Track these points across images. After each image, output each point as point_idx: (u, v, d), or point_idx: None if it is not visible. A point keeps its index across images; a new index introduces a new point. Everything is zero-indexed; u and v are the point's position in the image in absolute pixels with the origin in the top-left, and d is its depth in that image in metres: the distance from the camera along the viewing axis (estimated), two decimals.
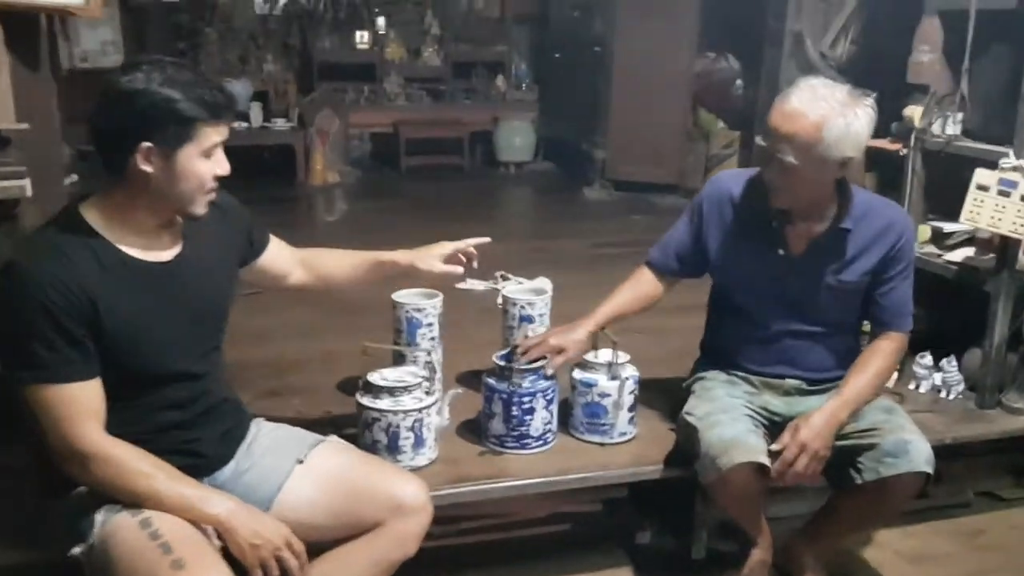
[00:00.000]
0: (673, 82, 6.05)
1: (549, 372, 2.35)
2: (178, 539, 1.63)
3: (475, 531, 2.57)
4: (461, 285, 2.74)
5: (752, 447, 2.10)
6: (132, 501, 1.68)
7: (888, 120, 3.04)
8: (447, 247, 2.23)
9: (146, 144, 1.64)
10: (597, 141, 6.41)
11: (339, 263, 2.23)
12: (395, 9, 7.36)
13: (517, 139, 7.13)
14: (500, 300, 2.75)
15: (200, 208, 1.76)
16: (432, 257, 2.21)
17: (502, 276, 2.85)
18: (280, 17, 7.30)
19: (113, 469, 1.66)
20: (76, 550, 1.71)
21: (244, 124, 6.43)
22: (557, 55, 7.21)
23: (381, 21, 7.27)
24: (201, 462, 1.86)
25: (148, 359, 1.74)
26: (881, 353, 2.27)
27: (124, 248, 1.72)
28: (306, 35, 7.21)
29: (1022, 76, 2.54)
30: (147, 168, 1.66)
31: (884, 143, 3.05)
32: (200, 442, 1.86)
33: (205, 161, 1.71)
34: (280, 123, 6.54)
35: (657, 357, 2.84)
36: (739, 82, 6.09)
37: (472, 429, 2.50)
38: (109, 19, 6.52)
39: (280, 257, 2.14)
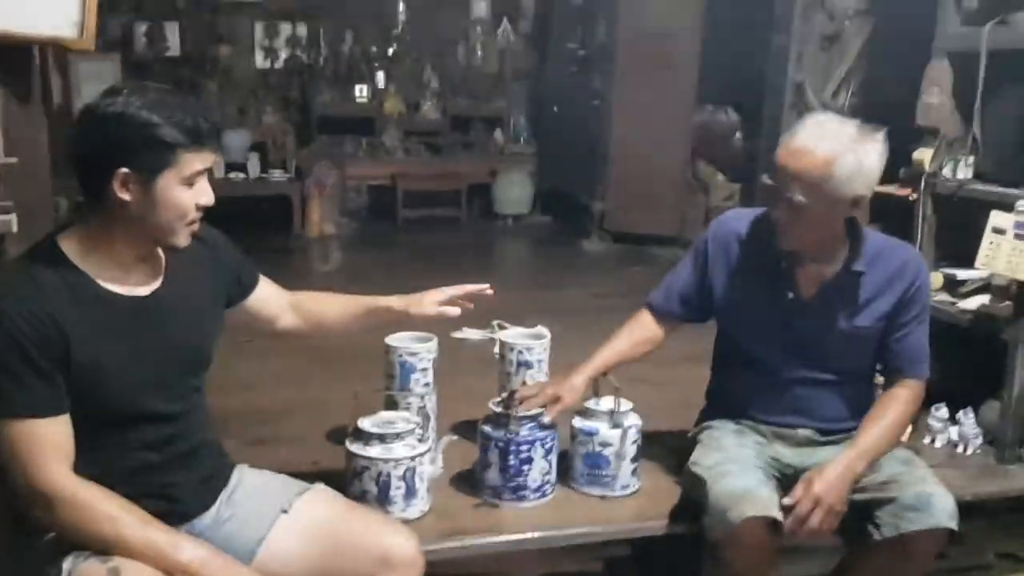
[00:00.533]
0: (672, 134, 6.01)
1: (547, 420, 2.24)
2: None
3: None
4: (457, 334, 2.65)
5: (764, 500, 1.98)
6: (99, 547, 1.57)
7: (896, 166, 2.96)
8: (441, 292, 2.14)
9: (123, 170, 1.56)
10: (596, 193, 6.36)
11: (331, 308, 2.12)
12: (394, 64, 7.37)
13: (515, 191, 7.10)
14: (497, 349, 2.65)
15: (181, 240, 1.67)
16: (425, 302, 2.10)
17: (499, 325, 2.76)
18: (281, 71, 7.31)
19: (79, 512, 1.56)
20: None
21: (241, 174, 6.38)
22: (555, 108, 7.21)
23: (380, 76, 7.28)
24: (177, 508, 1.75)
25: (119, 397, 1.64)
26: (898, 401, 2.16)
27: (101, 281, 1.64)
28: (306, 89, 7.22)
29: None
30: (125, 195, 1.58)
31: (893, 189, 2.97)
32: (176, 487, 1.75)
33: (186, 190, 1.62)
34: (277, 174, 6.50)
35: (661, 408, 2.72)
36: (738, 134, 6.07)
37: (467, 480, 2.38)
38: (111, 72, 6.56)
39: (270, 299, 2.04)
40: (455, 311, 2.12)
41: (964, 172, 2.75)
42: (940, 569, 2.61)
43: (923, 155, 2.81)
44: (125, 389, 1.64)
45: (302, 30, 7.28)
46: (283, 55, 7.29)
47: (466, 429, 2.64)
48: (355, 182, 6.95)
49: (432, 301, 2.11)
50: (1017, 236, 2.46)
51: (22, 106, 2.24)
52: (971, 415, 2.71)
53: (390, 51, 7.37)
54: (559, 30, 7.24)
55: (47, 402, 1.56)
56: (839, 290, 2.15)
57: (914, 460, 2.15)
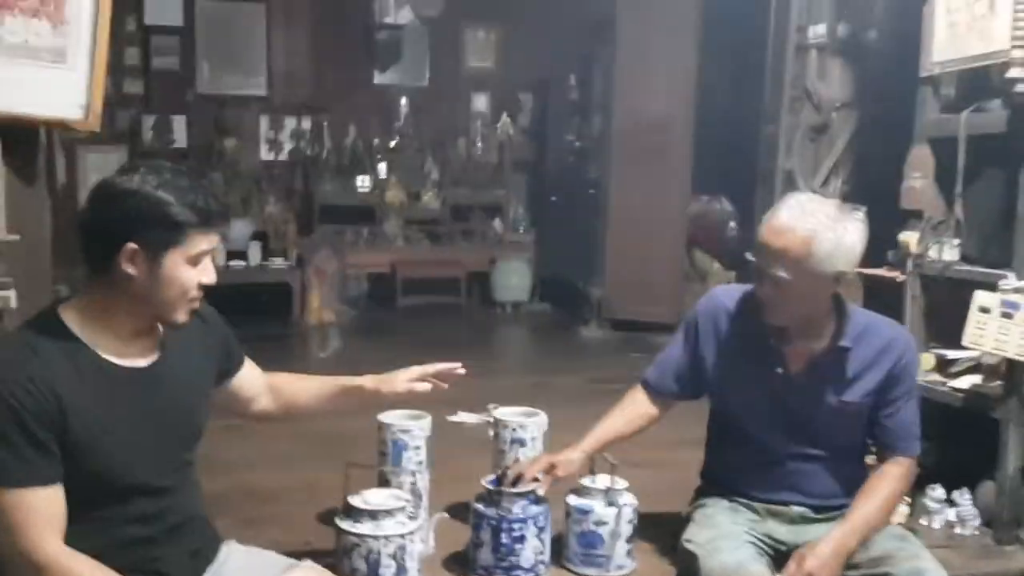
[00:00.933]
0: (668, 223, 6.11)
1: (541, 492, 2.23)
2: None
3: None
4: (453, 418, 2.67)
5: (757, 575, 1.97)
6: None
7: (883, 249, 3.02)
8: (414, 370, 2.17)
9: (132, 245, 1.60)
10: (594, 281, 6.42)
11: (305, 390, 2.14)
12: (396, 155, 7.52)
13: (514, 279, 7.16)
14: (492, 433, 2.66)
15: (181, 316, 1.71)
16: (397, 380, 2.13)
17: (495, 408, 2.77)
18: (284, 163, 7.46)
19: None
20: None
21: (242, 262, 6.46)
22: (553, 198, 7.33)
23: (382, 166, 7.43)
24: None
25: (114, 468, 1.65)
26: (889, 478, 2.16)
27: (100, 352, 1.66)
28: (309, 179, 7.36)
29: (1017, 198, 2.53)
30: (131, 270, 1.62)
31: (882, 272, 3.02)
32: (165, 561, 1.74)
33: (191, 268, 1.67)
34: (278, 262, 6.57)
35: (656, 491, 2.69)
36: (733, 223, 6.16)
37: (459, 561, 2.36)
38: (118, 163, 6.70)
39: (251, 380, 2.06)
40: (425, 387, 2.15)
41: (950, 254, 2.79)
42: None
43: (909, 238, 2.87)
44: (120, 460, 1.65)
45: (306, 123, 7.47)
46: (287, 147, 7.46)
47: (459, 511, 2.62)
48: (355, 270, 7.02)
49: (403, 379, 2.14)
50: (1003, 315, 2.49)
51: (26, 186, 2.29)
52: (967, 495, 2.70)
53: (392, 143, 7.54)
54: (557, 123, 7.41)
55: (42, 472, 1.57)
56: (827, 366, 2.17)
57: (908, 537, 2.14)
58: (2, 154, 2.22)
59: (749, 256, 2.17)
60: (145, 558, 1.70)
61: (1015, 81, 2.37)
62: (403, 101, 7.59)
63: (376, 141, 7.52)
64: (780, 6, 4.55)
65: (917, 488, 2.84)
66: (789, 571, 2.01)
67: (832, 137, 4.39)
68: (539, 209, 7.70)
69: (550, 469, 2.24)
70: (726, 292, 2.35)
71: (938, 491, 2.72)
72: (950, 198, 2.77)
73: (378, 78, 7.64)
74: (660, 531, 2.52)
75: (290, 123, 7.48)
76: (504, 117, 7.78)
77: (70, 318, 1.66)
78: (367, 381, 2.13)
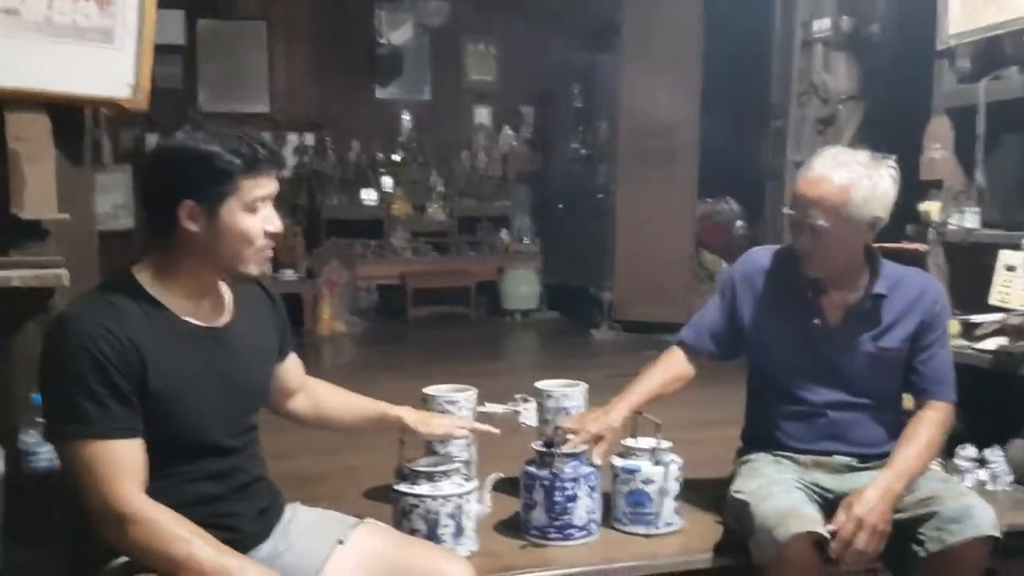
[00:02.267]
0: (676, 225, 6.17)
1: (598, 461, 2.28)
2: None
3: None
4: (481, 409, 2.71)
5: (810, 517, 2.02)
6: (169, 568, 1.58)
7: (902, 223, 3.09)
8: (452, 420, 2.26)
9: (188, 202, 1.64)
10: (603, 284, 6.48)
11: (342, 403, 2.15)
12: (401, 169, 7.59)
13: (523, 288, 7.22)
14: (522, 419, 2.70)
15: (252, 267, 1.73)
16: (435, 424, 2.18)
17: (522, 399, 2.81)
18: (290, 179, 7.51)
19: (152, 532, 1.58)
20: None
21: None
22: (560, 206, 7.41)
23: (388, 180, 7.49)
24: (238, 537, 1.76)
25: (188, 426, 1.69)
26: (928, 423, 2.22)
27: (174, 310, 1.70)
28: (314, 195, 7.41)
29: None
30: (192, 227, 1.65)
31: (903, 245, 3.09)
32: (237, 517, 1.78)
33: (250, 216, 1.68)
34: (288, 274, 6.61)
35: (697, 462, 2.75)
36: (740, 223, 6.24)
37: (511, 525, 2.41)
38: (123, 184, 6.76)
39: (294, 374, 2.07)
40: (463, 432, 2.22)
41: (971, 220, 2.87)
42: None
43: (930, 207, 2.94)
44: (195, 418, 1.69)
45: (309, 139, 7.54)
46: (291, 163, 7.52)
47: (503, 485, 2.67)
48: (365, 282, 7.06)
49: (442, 424, 2.20)
50: None
51: (74, 165, 2.33)
52: (999, 452, 2.75)
53: (396, 157, 7.61)
54: (561, 131, 7.50)
55: (125, 425, 1.60)
56: (863, 315, 2.24)
57: (951, 479, 2.20)
58: (52, 134, 2.27)
59: (786, 209, 2.24)
60: (216, 514, 1.73)
61: None
62: (405, 115, 7.68)
63: (380, 155, 7.60)
64: (785, 2, 4.67)
65: (947, 452, 2.90)
66: (839, 520, 2.06)
67: (839, 128, 4.50)
68: (545, 218, 7.78)
69: (597, 440, 2.29)
70: (762, 252, 2.41)
71: (969, 450, 2.77)
72: (970, 167, 2.85)
73: (380, 93, 7.73)
74: (704, 495, 2.57)
75: (293, 139, 7.54)
76: (506, 129, 7.88)
77: (143, 277, 1.70)
78: (406, 415, 2.14)
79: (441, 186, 7.63)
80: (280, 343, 1.97)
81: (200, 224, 1.65)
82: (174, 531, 1.59)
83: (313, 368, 5.75)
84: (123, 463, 1.60)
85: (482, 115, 7.95)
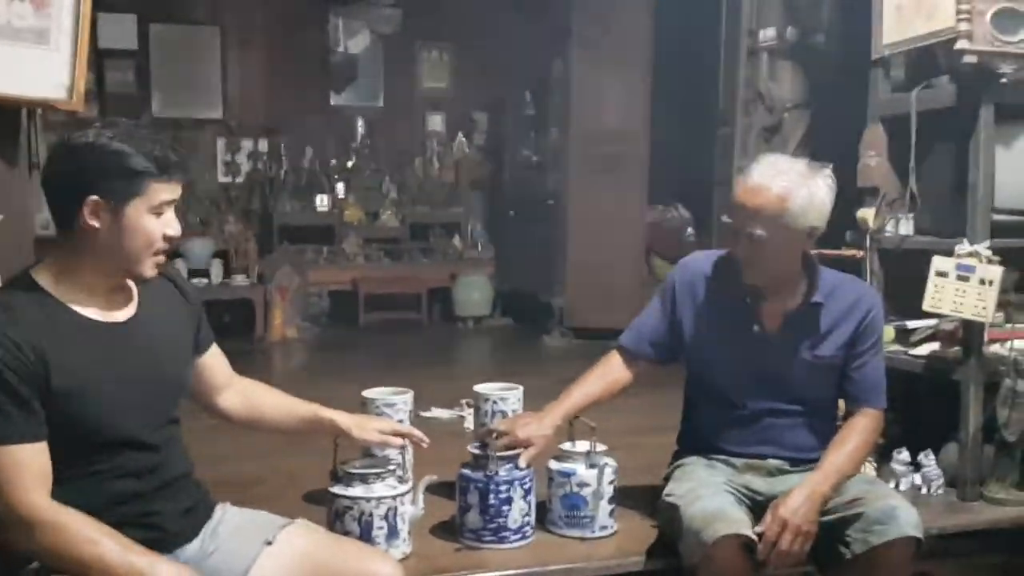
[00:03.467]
0: (626, 231, 6.20)
1: (522, 464, 2.28)
2: None
3: None
4: (426, 413, 2.71)
5: (737, 520, 2.04)
6: (79, 571, 1.57)
7: (842, 230, 3.14)
8: (388, 424, 2.21)
9: (93, 197, 1.62)
10: (554, 290, 6.49)
11: (274, 404, 2.11)
12: (354, 175, 7.56)
13: (475, 294, 7.21)
14: (466, 427, 2.70)
15: (148, 270, 1.72)
16: (370, 428, 2.12)
17: (467, 404, 2.82)
18: (242, 185, 7.46)
19: (58, 536, 1.57)
20: None
21: (204, 280, 6.43)
22: (512, 212, 7.41)
23: (340, 186, 7.46)
24: (161, 536, 1.75)
25: (100, 421, 1.67)
26: (858, 429, 2.25)
27: (76, 308, 1.68)
28: (267, 200, 7.36)
29: (967, 169, 2.66)
30: (95, 223, 1.64)
31: (842, 252, 3.13)
32: (160, 515, 1.76)
33: (153, 219, 1.68)
34: (240, 279, 6.55)
35: (635, 467, 2.78)
36: (690, 229, 6.29)
37: (447, 529, 2.40)
38: None
39: (218, 368, 2.05)
40: (397, 441, 2.16)
41: (905, 227, 2.91)
42: None
43: (866, 214, 2.98)
44: (106, 413, 1.67)
45: (263, 145, 7.49)
46: (244, 169, 7.46)
47: (439, 489, 2.67)
48: (317, 287, 7.02)
49: (377, 428, 2.13)
50: (959, 277, 2.61)
51: (9, 167, 2.30)
52: (932, 457, 2.80)
53: (349, 163, 7.58)
54: (513, 138, 7.51)
55: (27, 429, 1.59)
56: (801, 322, 2.26)
57: (878, 481, 2.24)
58: None
59: (725, 218, 2.26)
60: (138, 513, 1.72)
61: (962, 53, 2.50)
62: (359, 122, 7.65)
63: (333, 161, 7.56)
64: (731, 11, 4.73)
65: (882, 455, 2.94)
66: (765, 522, 2.08)
67: (785, 136, 4.56)
68: (497, 225, 7.78)
69: (525, 445, 2.29)
70: (702, 257, 2.43)
71: (904, 454, 2.81)
72: (904, 174, 2.89)
73: (334, 99, 7.68)
74: (640, 500, 2.59)
75: (247, 145, 7.48)
76: (460, 136, 7.89)
77: (43, 278, 1.69)
78: (341, 419, 2.09)
79: (394, 192, 7.61)
80: (196, 336, 1.95)
81: (103, 222, 1.64)
82: (82, 533, 1.58)
83: (263, 373, 5.73)
84: (26, 468, 1.58)
85: (435, 122, 7.94)
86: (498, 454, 2.27)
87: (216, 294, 6.32)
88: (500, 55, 7.32)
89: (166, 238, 1.71)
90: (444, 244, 7.55)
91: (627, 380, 2.45)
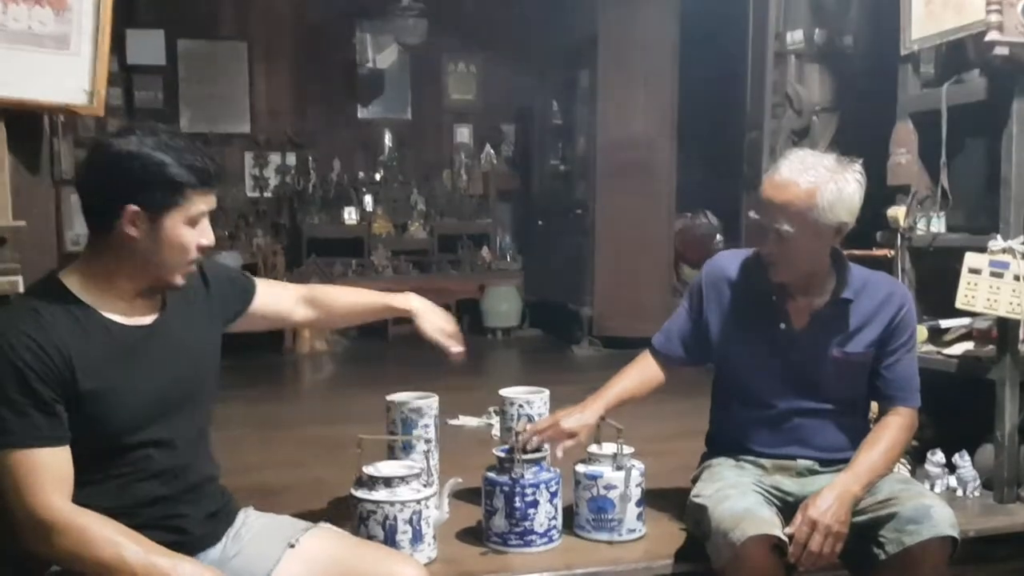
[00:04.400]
0: (654, 239, 6.17)
1: (559, 454, 2.27)
2: None
3: None
4: (453, 421, 2.70)
5: (766, 520, 2.00)
6: (99, 573, 1.56)
7: (872, 229, 3.09)
8: (451, 326, 2.32)
9: (133, 207, 1.62)
10: (583, 300, 6.45)
11: (346, 303, 2.24)
12: (382, 188, 7.58)
13: (504, 305, 7.19)
14: (494, 434, 2.68)
15: (180, 279, 1.73)
16: (435, 329, 2.30)
17: (496, 411, 2.80)
18: (271, 199, 7.51)
19: (78, 539, 1.56)
20: None
21: None
22: (540, 223, 7.39)
23: (368, 199, 7.49)
24: (186, 539, 1.75)
25: (126, 425, 1.67)
26: (891, 428, 2.21)
27: (103, 312, 1.69)
28: (295, 214, 7.40)
29: (1000, 163, 2.61)
30: (132, 232, 1.64)
31: (872, 252, 3.08)
32: (184, 519, 1.76)
33: (190, 229, 1.68)
34: None
35: (666, 471, 2.75)
36: (719, 237, 6.24)
37: (473, 533, 2.38)
38: None
39: (276, 298, 2.12)
40: (456, 348, 2.28)
41: (937, 225, 2.86)
42: None
43: (896, 212, 2.93)
44: (132, 417, 1.67)
45: (291, 159, 7.54)
46: (272, 183, 7.52)
47: (467, 495, 2.65)
48: None
49: (439, 327, 2.30)
50: (993, 274, 2.55)
51: (31, 173, 2.31)
52: (967, 458, 2.74)
53: (377, 176, 7.61)
54: (541, 148, 7.50)
55: (48, 433, 1.59)
56: (829, 319, 2.22)
57: (912, 480, 2.18)
58: (7, 141, 2.25)
59: (752, 214, 2.23)
60: (162, 516, 1.72)
61: (993, 44, 2.45)
62: (387, 135, 7.67)
63: (361, 174, 7.59)
64: (758, 14, 4.69)
65: (916, 457, 2.88)
66: (795, 522, 2.04)
67: (814, 139, 4.48)
68: (526, 236, 7.77)
69: (570, 436, 2.27)
70: (728, 257, 2.40)
71: (938, 456, 2.76)
72: (935, 171, 2.84)
73: (361, 112, 7.72)
74: (668, 503, 2.55)
75: (275, 159, 7.54)
76: (487, 148, 7.89)
77: (72, 282, 1.69)
78: (414, 303, 2.28)
79: (422, 204, 7.62)
80: (228, 304, 1.96)
81: (141, 231, 1.65)
82: (101, 534, 1.57)
83: (293, 385, 5.76)
84: (46, 472, 1.58)
85: (463, 134, 7.95)
86: (525, 456, 2.24)
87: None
88: (526, 66, 7.32)
89: (200, 248, 1.71)
90: (472, 255, 7.54)
91: (660, 380, 2.44)
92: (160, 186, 1.63)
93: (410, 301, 2.26)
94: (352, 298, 2.25)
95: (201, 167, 1.67)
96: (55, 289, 1.68)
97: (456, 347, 2.27)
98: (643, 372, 2.42)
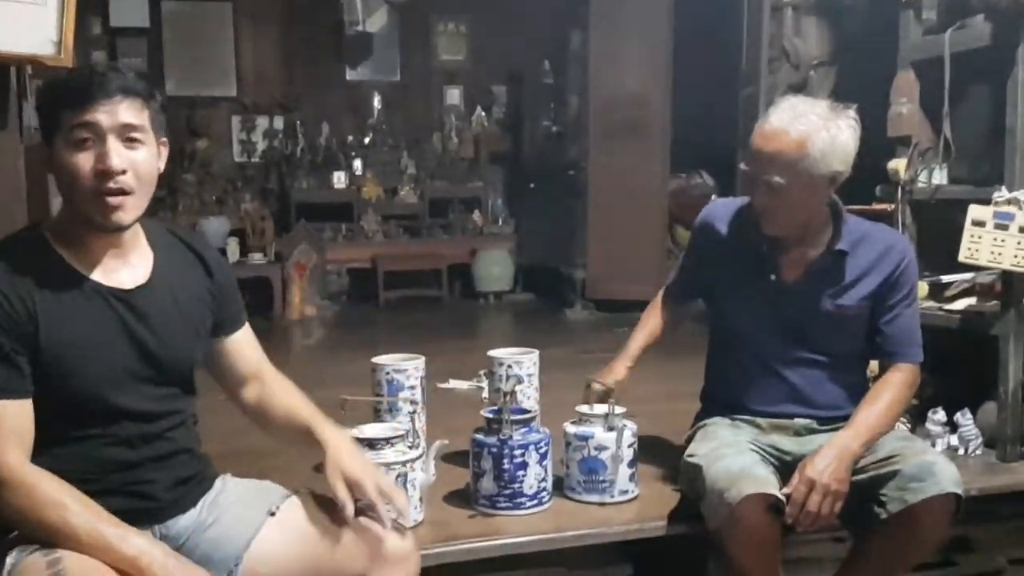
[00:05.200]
0: (648, 200, 6.08)
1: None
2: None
3: None
4: (443, 385, 2.62)
5: (762, 479, 1.93)
6: (44, 536, 1.48)
7: (871, 183, 3.00)
8: (368, 475, 1.74)
9: (45, 143, 1.57)
10: (576, 263, 6.37)
11: (285, 411, 1.86)
12: (371, 152, 7.47)
13: (495, 269, 7.11)
14: (484, 397, 2.61)
15: (99, 216, 1.55)
16: (337, 473, 1.72)
17: (486, 374, 2.73)
18: (258, 163, 7.40)
19: (26, 497, 1.48)
20: None
21: None
22: (532, 185, 7.30)
23: (358, 163, 7.37)
24: (152, 505, 1.66)
25: (91, 388, 1.58)
26: (892, 385, 2.13)
27: (80, 269, 1.59)
28: (284, 178, 7.29)
29: (1004, 112, 2.52)
30: (51, 170, 1.57)
31: (872, 207, 3.00)
32: (151, 484, 1.66)
33: (78, 153, 1.52)
34: (257, 258, 6.49)
35: (656, 432, 2.69)
36: (714, 197, 6.13)
37: (461, 496, 2.31)
38: None
39: (244, 356, 1.87)
40: (348, 508, 1.69)
41: (939, 178, 2.78)
42: None
43: (897, 165, 2.84)
44: (98, 381, 1.59)
45: (279, 123, 7.42)
46: (260, 147, 7.40)
47: (456, 459, 2.58)
48: (335, 265, 6.94)
49: (339, 478, 1.72)
50: (997, 226, 2.47)
51: None
52: (969, 416, 2.67)
53: (366, 139, 7.49)
54: (532, 110, 7.39)
55: (3, 384, 1.51)
56: (823, 272, 2.14)
57: (913, 437, 2.12)
58: None
59: (742, 165, 2.14)
60: (127, 481, 1.63)
61: None
62: (376, 97, 7.55)
63: (350, 138, 7.48)
64: None
65: (917, 416, 2.82)
66: (792, 482, 1.97)
67: (811, 94, 4.36)
68: (518, 199, 7.67)
69: (606, 398, 2.30)
70: (722, 205, 2.34)
71: (939, 414, 2.69)
72: (937, 121, 2.75)
73: (349, 74, 7.60)
74: (661, 464, 2.50)
75: (262, 123, 7.42)
76: (478, 110, 7.77)
77: (51, 233, 1.60)
78: (327, 443, 1.77)
79: (412, 168, 7.51)
80: (216, 313, 1.81)
81: (52, 166, 1.56)
82: (51, 497, 1.49)
83: (282, 351, 5.65)
84: (2, 424, 1.50)
85: (453, 95, 7.83)
86: (513, 417, 2.17)
87: (233, 272, 6.26)
88: (517, 26, 7.20)
89: (99, 173, 1.51)
90: (464, 219, 7.44)
91: (672, 319, 2.47)
92: (44, 113, 1.57)
93: (329, 431, 1.80)
94: (291, 411, 1.85)
95: (76, 85, 1.53)
96: (32, 240, 1.59)
97: (350, 509, 1.69)
98: (660, 315, 2.46)
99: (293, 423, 1.85)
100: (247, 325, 1.90)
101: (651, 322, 2.46)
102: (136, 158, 1.56)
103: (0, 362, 1.50)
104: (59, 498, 1.48)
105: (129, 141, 1.55)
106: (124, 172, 1.53)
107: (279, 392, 1.89)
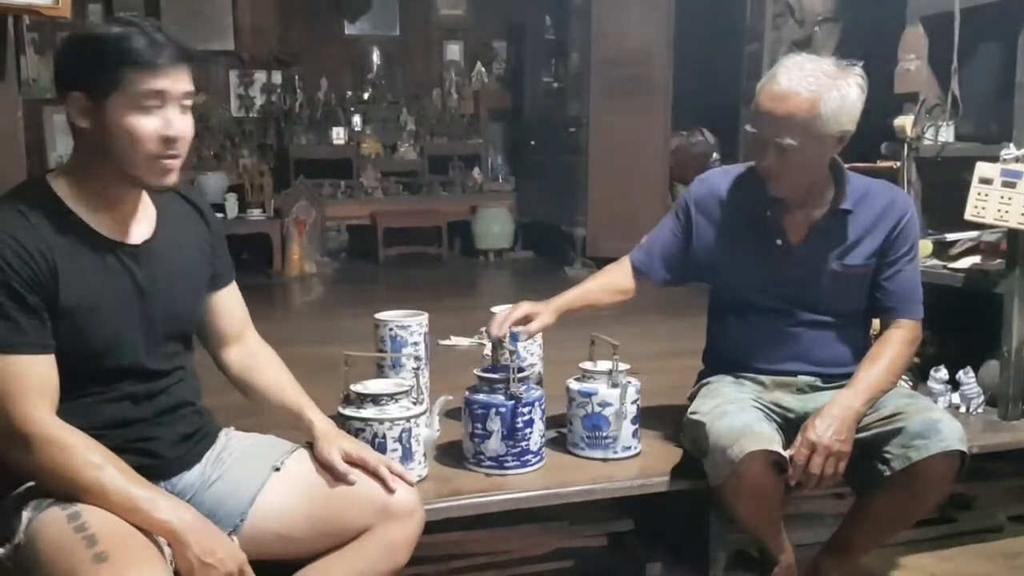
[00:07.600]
0: (650, 157, 6.05)
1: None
2: (106, 532, 1.43)
3: (468, 570, 2.33)
4: (445, 342, 2.61)
5: (765, 436, 1.93)
6: (75, 494, 1.48)
7: (877, 140, 2.98)
8: (356, 447, 1.80)
9: (76, 93, 1.50)
10: (576, 220, 6.35)
11: (272, 381, 1.90)
12: (371, 107, 7.42)
13: (495, 227, 7.09)
14: (486, 354, 2.60)
15: (151, 177, 1.55)
16: (335, 448, 1.76)
17: (487, 331, 2.72)
18: (257, 119, 7.34)
19: (60, 455, 1.47)
20: (0, 551, 1.50)
21: (219, 215, 6.35)
22: (532, 142, 7.25)
23: (357, 119, 7.32)
24: (158, 463, 1.66)
25: (102, 344, 1.57)
26: (893, 342, 2.12)
27: (89, 223, 1.57)
28: (282, 134, 7.24)
29: (1014, 68, 2.49)
30: (82, 122, 1.51)
31: (877, 164, 2.97)
32: (155, 441, 1.66)
33: (141, 116, 1.49)
34: (256, 213, 6.46)
35: (658, 390, 2.68)
36: (716, 155, 6.10)
37: (464, 453, 2.31)
38: None
39: (231, 315, 1.87)
40: (351, 478, 1.74)
41: (946, 135, 2.75)
42: (955, 532, 2.56)
43: (903, 122, 2.82)
44: (108, 336, 1.58)
45: (277, 78, 7.35)
46: (258, 102, 7.34)
47: (459, 415, 2.58)
48: (335, 222, 6.93)
49: (342, 449, 1.77)
50: (1005, 184, 2.45)
51: None
52: (971, 374, 2.67)
53: (366, 95, 7.43)
54: (533, 66, 7.32)
55: (33, 339, 1.49)
56: (827, 231, 2.13)
57: (917, 394, 2.11)
58: None
59: (748, 127, 2.11)
60: (132, 438, 1.63)
61: None
62: (375, 52, 7.47)
63: (349, 94, 7.42)
64: None
65: (919, 375, 2.82)
66: (795, 443, 1.97)
67: (816, 50, 4.33)
68: (518, 156, 7.63)
69: (525, 321, 2.20)
70: (718, 173, 2.31)
71: (941, 372, 2.69)
72: (945, 78, 2.72)
73: (348, 29, 7.53)
74: (665, 421, 2.49)
75: (260, 78, 7.36)
76: (478, 66, 7.70)
77: (59, 185, 1.57)
78: (318, 425, 1.83)
79: (412, 124, 7.47)
80: (213, 267, 1.81)
81: (89, 120, 1.51)
82: (85, 456, 1.48)
83: (281, 308, 5.64)
84: (30, 380, 1.48)
85: (453, 51, 7.76)
86: (519, 375, 2.16)
87: (232, 229, 6.21)
88: None
89: (165, 139, 1.51)
90: (463, 176, 7.41)
91: (630, 291, 2.36)
92: (95, 67, 1.48)
93: (320, 422, 1.83)
94: (279, 386, 1.89)
95: (142, 44, 1.48)
96: (42, 192, 1.55)
97: (353, 477, 1.74)
98: (612, 281, 2.35)
99: (282, 403, 1.88)
100: (235, 283, 1.90)
101: (601, 283, 2.35)
102: (188, 124, 1.58)
103: (28, 316, 1.48)
104: (94, 458, 1.48)
105: (183, 108, 1.56)
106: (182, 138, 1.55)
107: (266, 366, 1.91)
